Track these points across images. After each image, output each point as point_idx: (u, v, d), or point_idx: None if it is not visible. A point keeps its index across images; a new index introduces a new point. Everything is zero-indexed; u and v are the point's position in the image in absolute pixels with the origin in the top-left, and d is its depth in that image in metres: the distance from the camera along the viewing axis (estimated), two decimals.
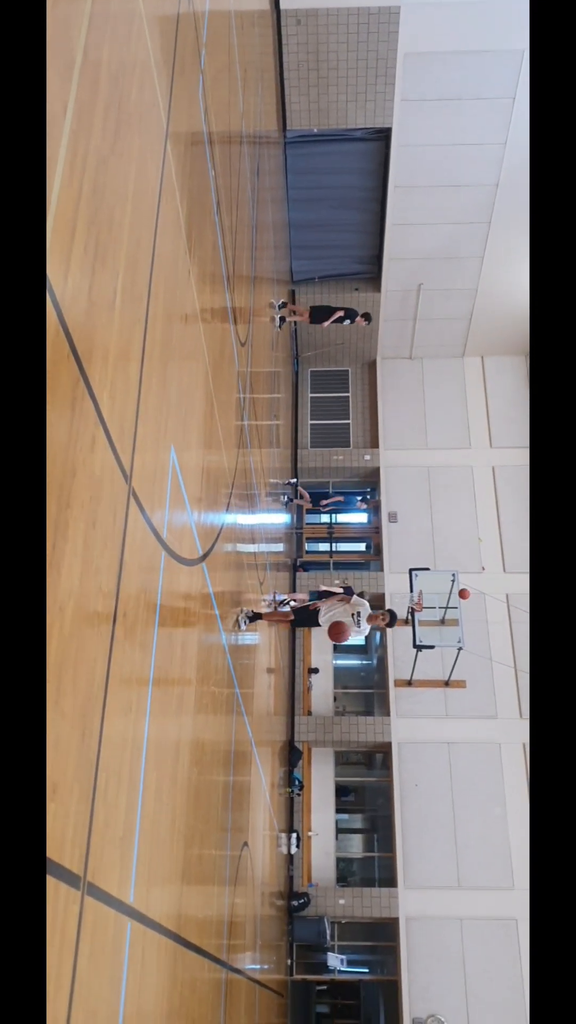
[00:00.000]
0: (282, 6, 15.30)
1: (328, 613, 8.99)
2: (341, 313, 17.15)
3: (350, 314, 17.21)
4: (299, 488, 19.07)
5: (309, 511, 19.49)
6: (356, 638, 8.97)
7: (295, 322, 18.74)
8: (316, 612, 9.22)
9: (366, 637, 21.75)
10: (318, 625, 9.18)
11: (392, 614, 9.24)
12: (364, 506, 19.45)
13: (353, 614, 8.82)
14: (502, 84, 16.46)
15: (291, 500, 16.68)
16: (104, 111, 3.13)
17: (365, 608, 8.92)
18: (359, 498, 19.55)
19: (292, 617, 9.42)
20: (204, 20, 5.97)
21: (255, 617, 8.33)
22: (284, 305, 15.03)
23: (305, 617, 9.38)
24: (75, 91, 2.77)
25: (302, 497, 19.01)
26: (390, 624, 9.16)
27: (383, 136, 17.64)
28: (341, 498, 18.16)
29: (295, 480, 18.56)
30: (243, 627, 7.94)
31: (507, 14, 15.27)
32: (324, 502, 19.16)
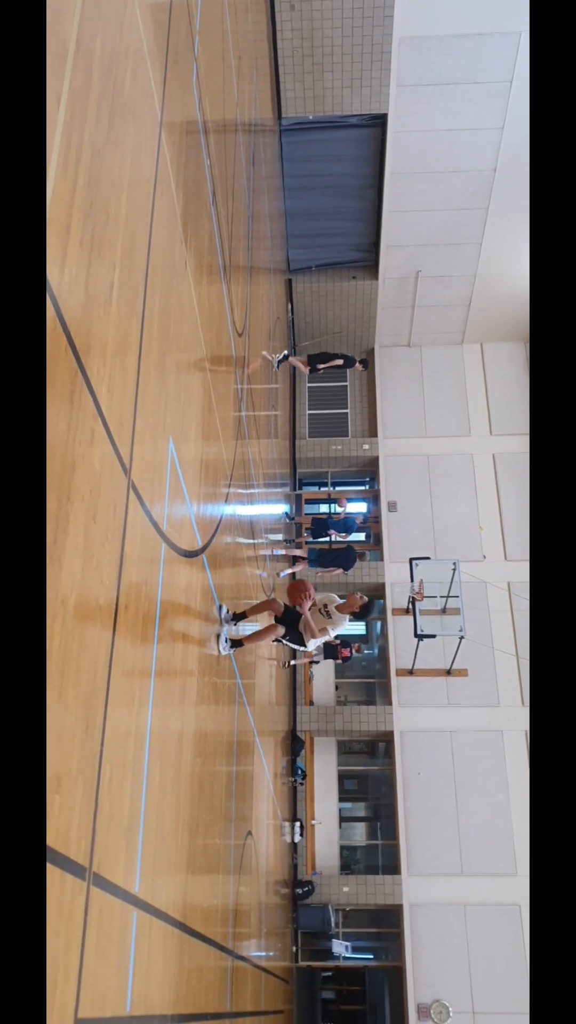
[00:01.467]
0: None
1: (309, 630, 7.76)
2: (339, 362, 17.31)
3: (348, 361, 17.29)
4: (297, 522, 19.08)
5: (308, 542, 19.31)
6: (335, 630, 7.74)
7: (293, 367, 18.88)
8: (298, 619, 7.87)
9: (365, 625, 21.83)
10: (300, 644, 7.90)
11: (371, 603, 8.13)
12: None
13: (320, 609, 7.83)
14: (499, 67, 16.39)
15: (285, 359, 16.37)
16: (98, 101, 3.11)
17: (332, 599, 7.93)
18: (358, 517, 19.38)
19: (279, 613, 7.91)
20: (197, 7, 5.94)
21: (240, 616, 7.22)
22: (285, 358, 15.33)
23: (290, 620, 7.93)
24: (68, 81, 2.76)
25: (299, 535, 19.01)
26: (363, 612, 7.94)
27: (379, 122, 17.58)
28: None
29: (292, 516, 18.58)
30: (228, 626, 6.90)
31: None
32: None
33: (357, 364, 17.72)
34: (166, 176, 4.51)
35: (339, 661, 17.42)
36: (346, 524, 18.04)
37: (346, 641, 17.33)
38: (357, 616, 8.01)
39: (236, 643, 7.08)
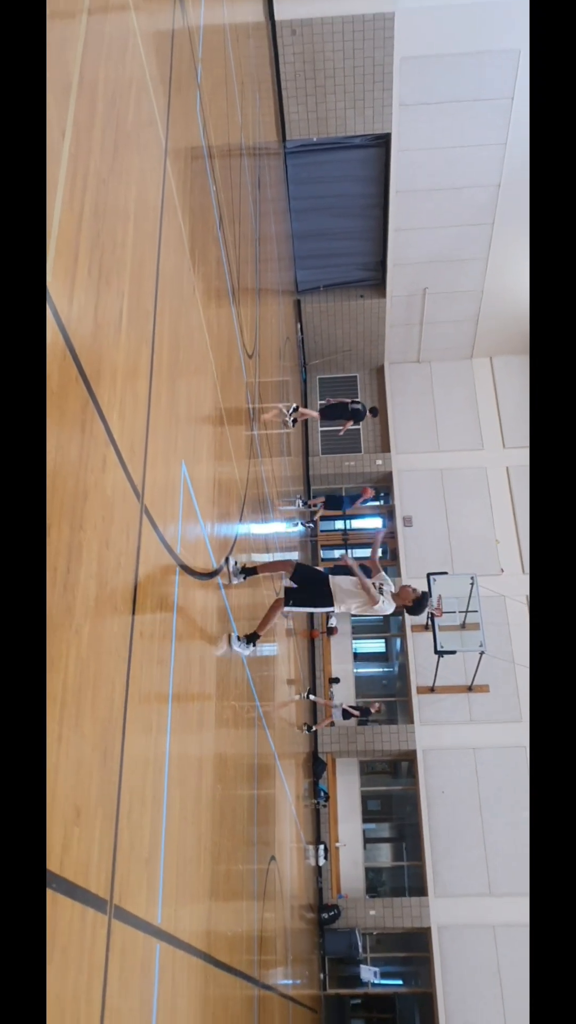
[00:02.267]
0: (277, 17, 15.36)
1: (345, 585, 7.14)
2: (351, 423, 17.55)
3: (359, 416, 17.40)
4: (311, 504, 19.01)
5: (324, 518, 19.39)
6: (379, 607, 7.02)
7: (304, 419, 19.00)
8: (323, 577, 7.22)
9: (385, 643, 21.75)
10: (322, 604, 7.18)
11: (425, 596, 7.46)
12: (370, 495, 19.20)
13: (376, 583, 7.16)
14: (500, 84, 16.46)
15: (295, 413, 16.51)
16: (102, 131, 3.13)
17: (388, 584, 7.27)
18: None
19: (291, 573, 7.29)
20: (199, 35, 5.99)
21: (250, 572, 6.68)
22: (296, 409, 15.52)
23: (306, 578, 7.25)
24: (72, 113, 2.78)
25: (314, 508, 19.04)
26: (417, 606, 7.30)
27: (383, 142, 17.67)
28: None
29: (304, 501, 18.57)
30: (236, 580, 6.38)
31: (501, 15, 15.29)
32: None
33: (367, 413, 17.91)
34: (172, 203, 4.53)
35: (358, 715, 17.52)
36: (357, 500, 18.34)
37: (366, 707, 17.62)
38: (410, 610, 7.38)
39: (252, 637, 6.62)
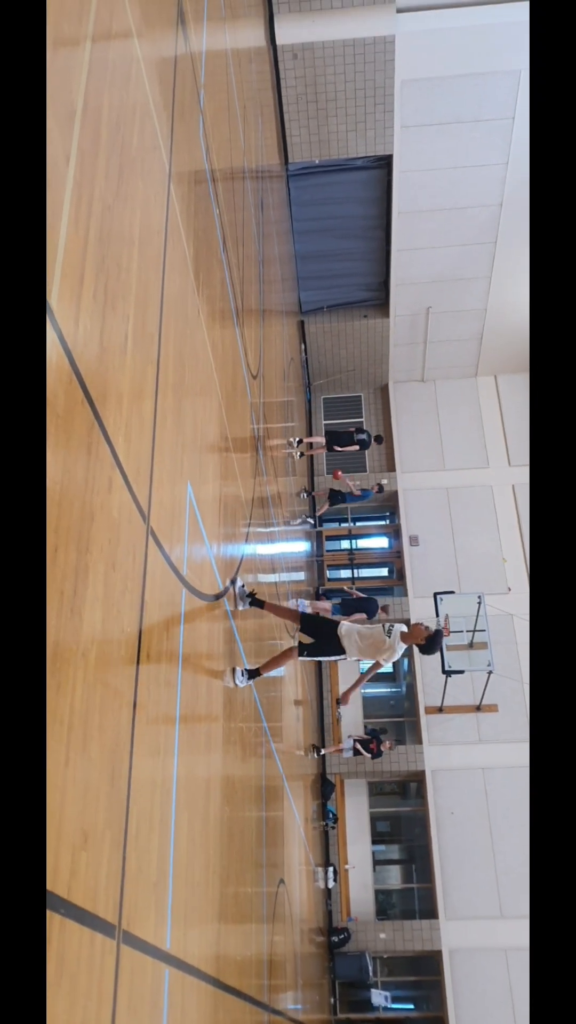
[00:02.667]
0: (278, 42, 15.52)
1: (354, 634, 7.05)
2: (356, 447, 17.59)
3: (364, 444, 17.49)
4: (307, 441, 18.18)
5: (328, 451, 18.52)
6: (389, 654, 6.92)
7: (311, 453, 19.04)
8: (332, 626, 7.11)
9: (393, 663, 21.65)
10: (333, 653, 7.09)
11: (438, 634, 7.22)
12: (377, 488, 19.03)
13: (385, 625, 7.06)
14: (500, 105, 16.59)
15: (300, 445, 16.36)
16: (106, 157, 3.16)
17: (398, 626, 7.13)
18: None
19: (299, 626, 7.28)
20: (201, 61, 6.05)
21: (257, 603, 6.61)
22: (300, 442, 15.63)
23: (315, 629, 7.23)
24: (77, 139, 2.80)
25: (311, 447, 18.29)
26: (430, 644, 7.09)
27: (384, 163, 17.80)
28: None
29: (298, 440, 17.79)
30: (241, 606, 6.35)
31: (501, 36, 15.43)
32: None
33: (373, 441, 17.95)
34: (176, 226, 4.56)
35: (370, 756, 17.17)
36: (362, 496, 18.15)
37: (377, 736, 17.28)
38: (423, 648, 7.18)
39: (253, 673, 6.45)
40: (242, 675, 6.09)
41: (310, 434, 22.02)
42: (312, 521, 17.53)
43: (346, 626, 7.13)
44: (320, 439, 17.85)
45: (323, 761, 17.88)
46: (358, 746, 17.16)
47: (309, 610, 14.97)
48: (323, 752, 17.00)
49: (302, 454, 16.26)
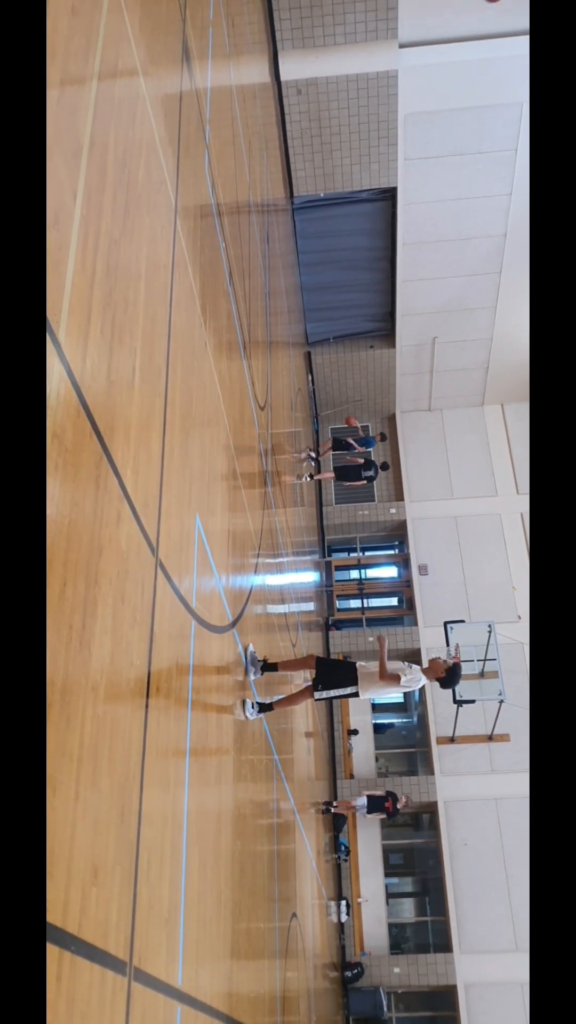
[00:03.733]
0: (282, 77, 15.75)
1: (371, 667, 6.90)
2: (363, 483, 17.66)
3: (374, 473, 17.59)
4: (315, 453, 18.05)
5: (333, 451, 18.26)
6: (409, 682, 6.77)
7: (319, 474, 19.11)
8: (350, 667, 7.09)
9: (404, 693, 21.53)
10: (347, 685, 7.00)
11: (457, 667, 7.16)
12: (380, 438, 18.71)
13: (404, 665, 6.99)
14: (502, 137, 16.77)
15: (312, 459, 16.41)
16: (113, 193, 3.20)
17: (414, 668, 7.03)
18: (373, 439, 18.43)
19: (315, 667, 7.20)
20: (207, 97, 6.14)
21: (270, 668, 6.68)
22: (311, 478, 15.78)
23: (331, 669, 7.24)
24: (84, 175, 2.84)
25: (320, 456, 18.22)
26: (450, 677, 7.05)
27: (389, 196, 17.98)
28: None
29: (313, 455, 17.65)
30: (254, 675, 6.36)
31: (501, 70, 15.63)
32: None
33: (380, 469, 18.02)
34: (183, 261, 4.61)
35: (384, 816, 16.74)
36: (365, 441, 17.88)
37: (393, 795, 16.72)
38: (442, 682, 7.09)
39: (264, 707, 6.44)
40: (252, 708, 6.06)
41: (318, 466, 22.09)
42: (314, 455, 17.16)
43: (363, 664, 7.07)
44: (329, 474, 17.99)
45: (334, 792, 17.72)
46: (372, 797, 16.64)
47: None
48: (333, 810, 16.41)
49: (311, 476, 16.29)
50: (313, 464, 15.49)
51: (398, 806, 16.55)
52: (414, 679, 6.90)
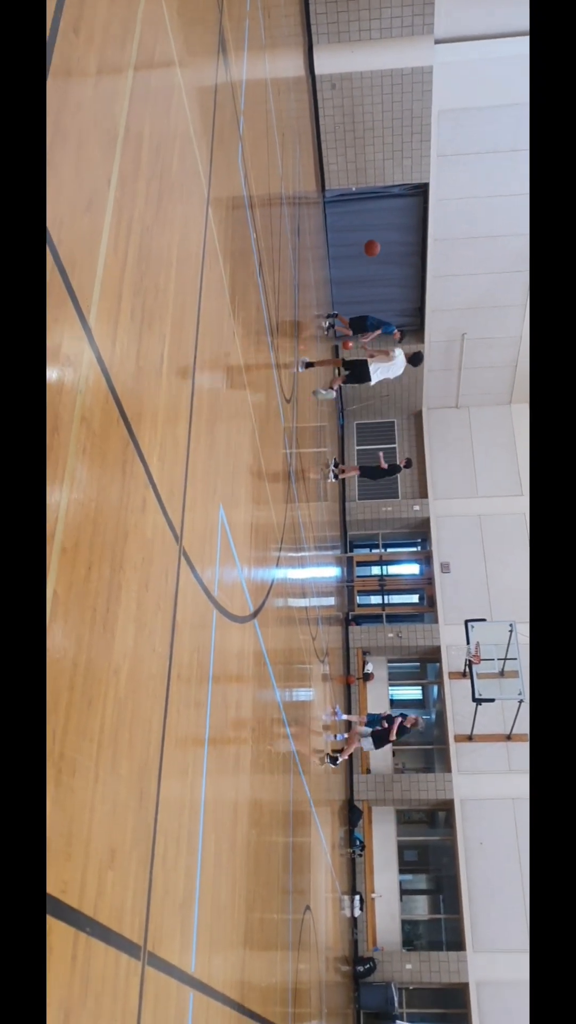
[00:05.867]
0: (317, 72, 15.70)
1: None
2: (385, 467, 17.55)
3: (394, 469, 17.49)
4: (337, 318, 17.49)
5: (348, 337, 17.49)
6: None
7: (344, 476, 19.01)
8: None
9: (422, 690, 21.48)
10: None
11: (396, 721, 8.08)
12: (399, 336, 17.91)
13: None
14: None
15: (332, 327, 15.99)
16: (147, 181, 3.21)
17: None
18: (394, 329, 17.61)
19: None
20: (241, 89, 6.14)
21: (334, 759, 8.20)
22: (337, 465, 15.68)
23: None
24: (118, 163, 2.85)
25: (341, 325, 17.64)
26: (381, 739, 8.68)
27: (421, 191, 17.89)
28: (379, 330, 16.75)
29: (334, 313, 16.98)
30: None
31: None
32: (364, 341, 17.49)
33: (403, 464, 17.96)
34: (214, 250, 4.61)
35: (394, 737, 15.38)
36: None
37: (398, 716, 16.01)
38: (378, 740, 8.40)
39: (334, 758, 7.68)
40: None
41: (343, 460, 22.08)
42: (336, 471, 16.81)
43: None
44: (354, 470, 18.06)
45: (351, 787, 17.73)
46: (380, 723, 15.04)
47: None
48: (340, 760, 14.66)
49: (337, 476, 16.29)
50: (334, 480, 15.51)
51: (406, 724, 15.09)
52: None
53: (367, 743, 14.83)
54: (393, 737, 14.68)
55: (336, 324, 17.25)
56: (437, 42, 15.60)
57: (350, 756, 16.03)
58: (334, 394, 13.47)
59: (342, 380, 13.66)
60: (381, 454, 18.10)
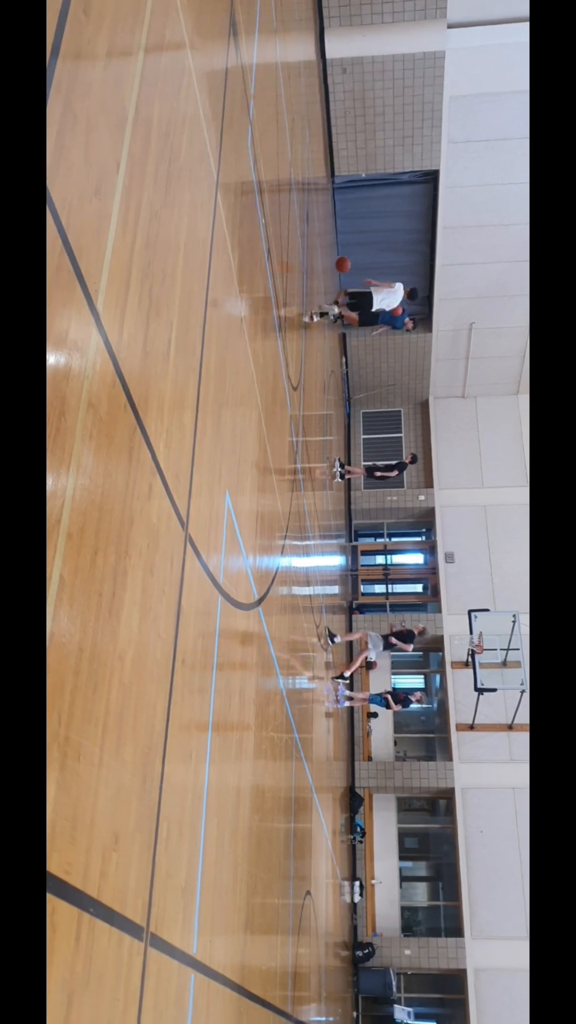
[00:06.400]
0: (328, 56, 15.60)
1: None
2: (394, 473, 17.45)
3: (401, 467, 17.41)
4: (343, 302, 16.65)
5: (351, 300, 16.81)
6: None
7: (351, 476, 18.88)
8: None
9: (425, 679, 21.53)
10: None
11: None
12: (411, 326, 17.22)
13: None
14: None
15: (339, 317, 15.65)
16: (155, 165, 3.19)
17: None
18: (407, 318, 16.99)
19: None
20: (252, 73, 6.10)
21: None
22: (344, 466, 15.64)
23: None
24: (127, 146, 2.84)
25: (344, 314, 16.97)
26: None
27: (431, 178, 17.79)
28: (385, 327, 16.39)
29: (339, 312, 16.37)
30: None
31: None
32: (374, 334, 17.03)
33: (408, 461, 17.92)
34: (222, 236, 4.60)
35: (399, 708, 15.37)
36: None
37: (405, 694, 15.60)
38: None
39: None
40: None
41: (348, 449, 22.06)
42: (342, 469, 16.55)
43: None
44: (360, 471, 18.11)
45: (352, 774, 17.79)
46: (388, 698, 15.05)
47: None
48: (337, 639, 14.24)
49: (343, 475, 16.27)
50: (340, 479, 15.48)
51: (411, 698, 15.26)
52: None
53: (373, 653, 14.88)
54: (394, 642, 14.78)
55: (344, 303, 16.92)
56: (450, 26, 15.48)
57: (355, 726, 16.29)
58: (336, 309, 13.50)
59: (345, 308, 13.72)
60: (390, 472, 17.90)
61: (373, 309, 13.33)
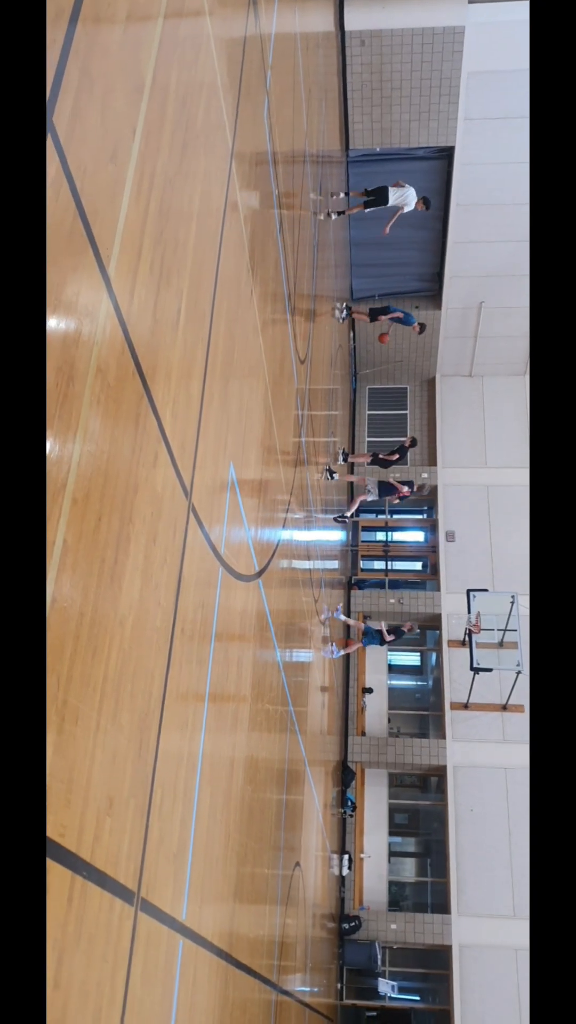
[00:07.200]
0: (347, 27, 15.40)
1: None
2: (396, 456, 17.35)
3: (401, 450, 17.36)
4: (352, 308, 17.05)
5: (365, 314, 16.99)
6: None
7: (351, 465, 18.74)
8: None
9: (421, 656, 21.60)
10: None
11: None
12: (419, 330, 17.40)
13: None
14: None
15: (349, 313, 15.95)
16: (171, 132, 3.17)
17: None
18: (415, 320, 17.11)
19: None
20: (270, 42, 6.03)
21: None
22: (347, 456, 15.66)
23: None
24: (144, 113, 2.81)
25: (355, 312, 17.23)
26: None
27: (446, 155, 17.62)
28: (400, 314, 16.41)
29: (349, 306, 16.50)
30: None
31: None
32: (382, 318, 17.14)
33: (407, 444, 17.84)
34: (235, 206, 4.56)
35: (392, 638, 15.29)
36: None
37: (399, 630, 15.47)
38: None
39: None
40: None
41: (353, 425, 22.01)
42: (346, 456, 16.60)
43: None
44: (366, 458, 18.04)
45: (345, 748, 17.91)
46: (383, 631, 15.02)
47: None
48: (335, 477, 14.03)
49: (346, 458, 16.23)
50: (343, 464, 15.38)
51: (403, 629, 15.40)
52: None
53: (372, 495, 15.33)
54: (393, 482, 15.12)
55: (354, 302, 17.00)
56: (471, 1, 15.27)
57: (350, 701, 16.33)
58: (345, 307, 13.82)
59: (363, 207, 14.24)
60: (392, 456, 17.82)
61: (389, 204, 13.94)
